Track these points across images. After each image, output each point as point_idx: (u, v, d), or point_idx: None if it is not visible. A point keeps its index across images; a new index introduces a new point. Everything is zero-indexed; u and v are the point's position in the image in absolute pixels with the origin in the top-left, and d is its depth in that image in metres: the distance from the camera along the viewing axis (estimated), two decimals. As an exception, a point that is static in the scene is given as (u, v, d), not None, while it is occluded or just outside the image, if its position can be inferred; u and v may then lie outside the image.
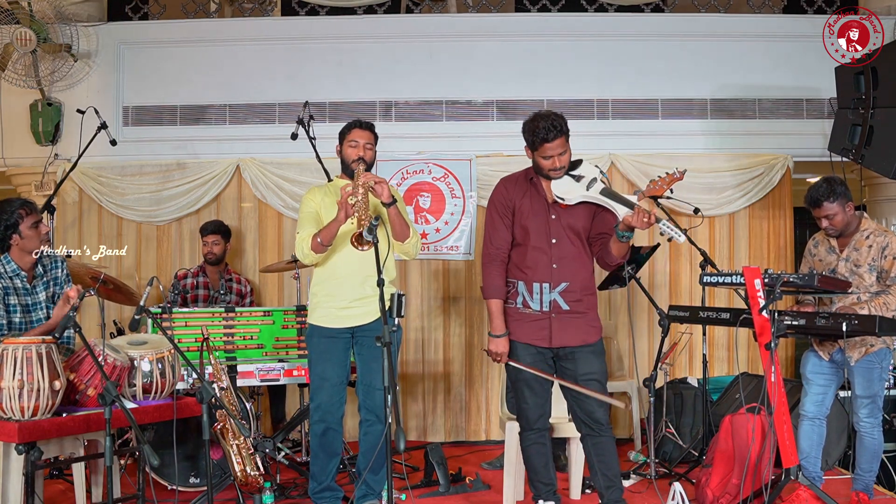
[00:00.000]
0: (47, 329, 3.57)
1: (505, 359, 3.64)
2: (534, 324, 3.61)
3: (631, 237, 3.44)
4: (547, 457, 3.74)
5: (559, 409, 3.91)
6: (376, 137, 3.95)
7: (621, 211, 3.37)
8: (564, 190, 3.52)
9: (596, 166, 3.57)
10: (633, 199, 3.37)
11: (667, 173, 3.51)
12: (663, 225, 3.26)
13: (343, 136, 3.93)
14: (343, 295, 3.84)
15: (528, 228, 3.61)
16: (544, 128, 3.47)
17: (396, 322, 3.48)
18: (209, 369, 4.04)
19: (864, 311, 3.78)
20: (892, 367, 4.35)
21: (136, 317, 3.76)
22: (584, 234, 3.61)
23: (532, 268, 3.60)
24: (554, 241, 3.58)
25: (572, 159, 3.59)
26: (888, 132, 4.79)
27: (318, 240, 3.71)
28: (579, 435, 3.71)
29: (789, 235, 6.05)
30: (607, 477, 3.62)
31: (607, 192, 3.44)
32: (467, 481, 4.53)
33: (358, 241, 3.44)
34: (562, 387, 3.69)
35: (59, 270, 4.00)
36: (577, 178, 3.50)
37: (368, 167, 3.84)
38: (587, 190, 3.47)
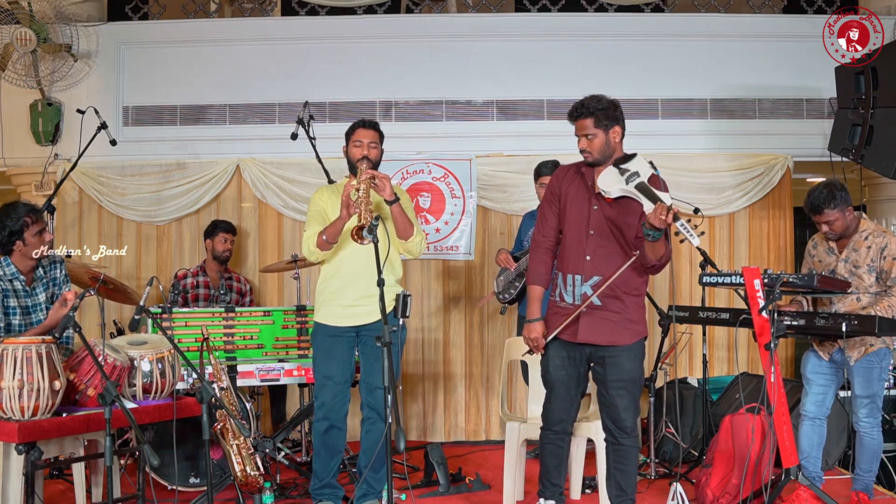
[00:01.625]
0: (44, 330, 3.57)
1: (541, 343, 3.51)
2: (565, 317, 3.48)
3: (657, 237, 3.23)
4: (560, 458, 3.64)
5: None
6: (382, 135, 3.95)
7: (648, 207, 3.22)
8: (607, 182, 3.38)
9: (650, 162, 3.39)
10: (665, 196, 3.21)
11: None
12: (680, 225, 3.12)
13: (348, 136, 3.93)
14: (348, 293, 3.85)
15: (568, 217, 3.51)
16: (574, 105, 3.43)
17: (401, 322, 3.47)
18: (209, 369, 4.04)
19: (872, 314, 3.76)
20: (891, 367, 4.35)
21: (136, 317, 3.76)
22: (630, 231, 3.43)
23: (568, 258, 3.49)
24: (591, 232, 3.45)
25: (628, 152, 3.44)
26: (888, 132, 4.79)
27: (324, 237, 3.73)
28: (582, 435, 3.68)
29: (789, 235, 6.05)
30: (620, 486, 3.52)
31: (641, 187, 3.27)
32: (467, 481, 4.52)
33: (358, 234, 3.45)
34: (597, 390, 3.57)
35: (58, 271, 4.01)
36: (623, 172, 3.35)
37: (374, 165, 3.85)
38: (626, 184, 3.31)
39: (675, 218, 3.10)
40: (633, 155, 3.40)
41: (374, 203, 3.72)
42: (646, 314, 3.59)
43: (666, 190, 3.34)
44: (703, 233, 3.32)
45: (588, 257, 3.44)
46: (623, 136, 3.47)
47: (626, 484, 3.52)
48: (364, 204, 3.54)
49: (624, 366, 3.44)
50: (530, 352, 3.63)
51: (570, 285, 3.47)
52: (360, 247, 3.55)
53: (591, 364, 3.54)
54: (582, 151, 3.46)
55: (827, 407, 4.10)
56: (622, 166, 3.36)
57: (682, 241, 3.22)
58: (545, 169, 4.74)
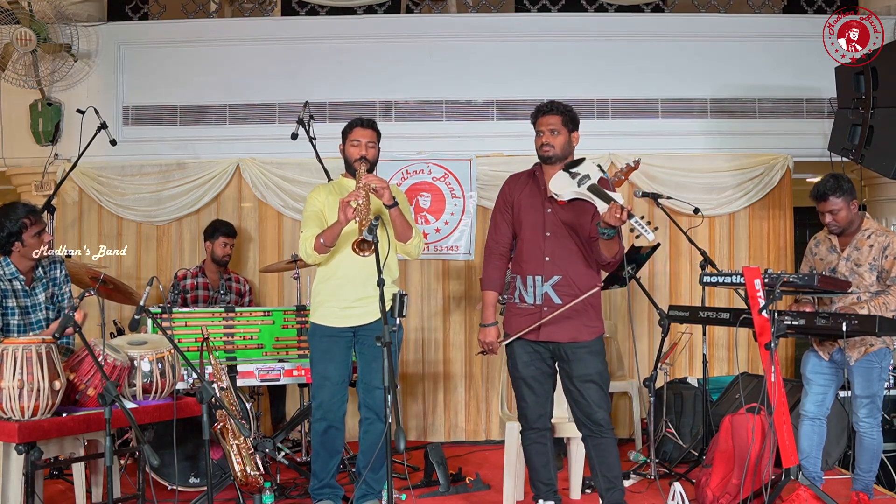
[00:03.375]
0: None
1: (495, 347, 3.70)
2: (527, 318, 3.62)
3: (611, 235, 3.38)
4: (547, 456, 3.73)
5: (559, 409, 3.91)
6: (379, 135, 3.96)
7: (602, 207, 3.36)
8: (559, 186, 3.55)
9: (598, 165, 3.57)
10: (616, 195, 3.36)
11: (626, 164, 3.59)
12: (634, 222, 3.26)
13: (345, 135, 3.94)
14: (345, 294, 3.85)
15: (524, 222, 3.66)
16: (542, 104, 3.64)
17: (398, 322, 3.48)
18: (209, 369, 4.04)
19: (864, 311, 3.78)
20: (891, 366, 4.35)
21: (136, 317, 3.76)
22: (584, 231, 3.59)
23: (527, 261, 3.64)
24: (548, 234, 3.61)
25: (576, 157, 3.62)
26: (888, 132, 4.79)
27: (321, 241, 3.73)
28: (580, 435, 3.70)
29: (789, 235, 6.05)
30: (607, 478, 3.61)
31: (593, 188, 3.44)
32: (467, 481, 4.53)
33: (359, 247, 3.45)
34: (564, 388, 3.68)
35: (58, 271, 4.01)
36: (573, 175, 3.53)
37: (371, 165, 3.85)
38: (578, 186, 3.48)
39: (630, 215, 3.26)
40: (582, 159, 3.60)
41: (374, 208, 3.71)
42: (601, 311, 3.73)
43: (614, 191, 3.53)
44: (656, 228, 3.48)
45: (547, 258, 3.61)
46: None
47: (613, 475, 3.62)
48: (364, 214, 3.54)
49: (587, 360, 3.57)
50: (483, 352, 3.77)
51: (531, 286, 3.62)
52: (356, 255, 3.53)
53: (557, 363, 3.66)
54: (543, 146, 3.62)
55: (827, 407, 4.10)
56: (572, 170, 3.55)
57: (636, 237, 3.33)
58: None
